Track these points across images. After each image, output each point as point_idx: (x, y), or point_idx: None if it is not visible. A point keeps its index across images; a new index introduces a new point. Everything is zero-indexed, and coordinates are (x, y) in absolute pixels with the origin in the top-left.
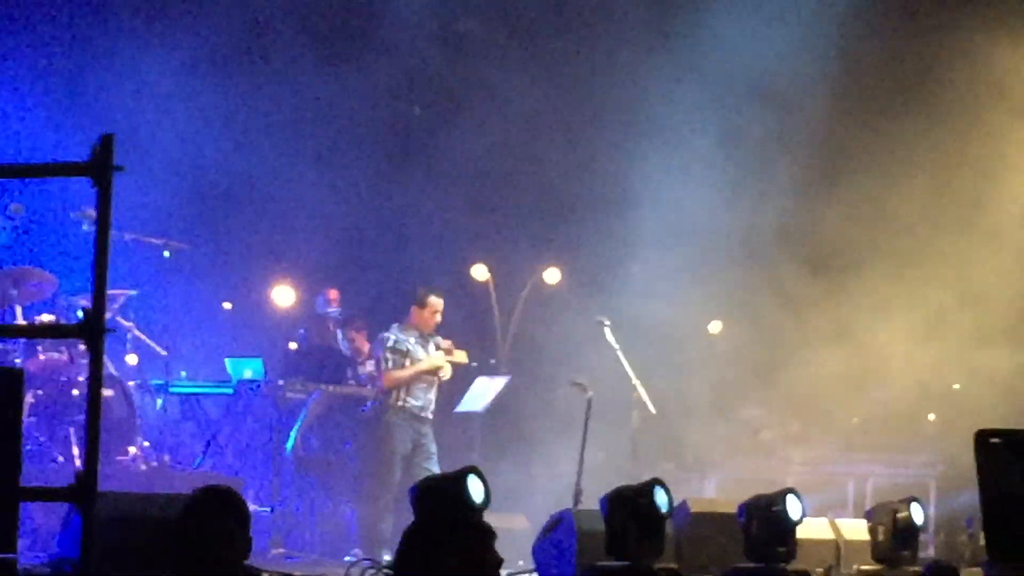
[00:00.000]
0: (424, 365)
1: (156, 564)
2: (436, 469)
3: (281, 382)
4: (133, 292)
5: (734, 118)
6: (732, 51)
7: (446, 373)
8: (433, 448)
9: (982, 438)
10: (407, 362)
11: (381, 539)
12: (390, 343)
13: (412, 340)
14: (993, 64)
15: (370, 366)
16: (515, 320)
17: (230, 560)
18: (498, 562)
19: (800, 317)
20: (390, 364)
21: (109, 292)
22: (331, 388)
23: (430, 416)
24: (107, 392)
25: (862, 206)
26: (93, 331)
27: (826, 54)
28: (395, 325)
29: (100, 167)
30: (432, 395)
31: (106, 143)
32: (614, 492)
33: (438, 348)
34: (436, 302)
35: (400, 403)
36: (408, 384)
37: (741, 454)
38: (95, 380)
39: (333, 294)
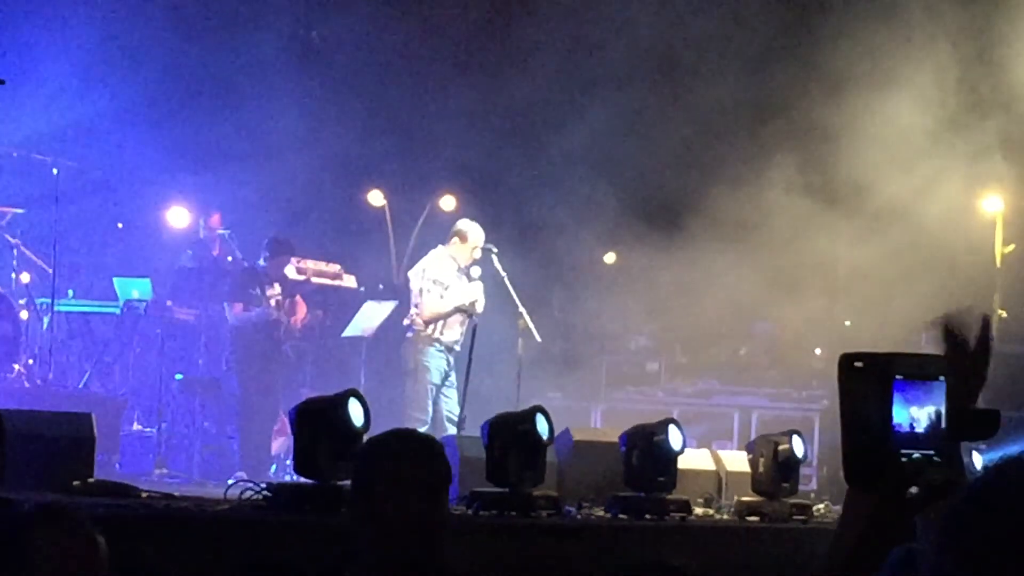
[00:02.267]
0: (462, 299)
1: (43, 481)
2: (454, 397)
3: (169, 302)
4: (20, 210)
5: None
6: None
7: (480, 307)
8: (454, 378)
9: (846, 362)
10: (445, 294)
11: None
12: (431, 275)
13: (451, 272)
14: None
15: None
16: (410, 247)
17: None
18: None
19: (693, 251)
20: (430, 296)
21: None
22: (237, 307)
23: (459, 349)
24: None
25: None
26: None
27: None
28: (434, 256)
29: None
30: (464, 328)
31: None
32: (495, 418)
33: (471, 281)
34: (478, 237)
35: (437, 335)
36: (448, 316)
37: (628, 385)
38: None
39: (215, 219)
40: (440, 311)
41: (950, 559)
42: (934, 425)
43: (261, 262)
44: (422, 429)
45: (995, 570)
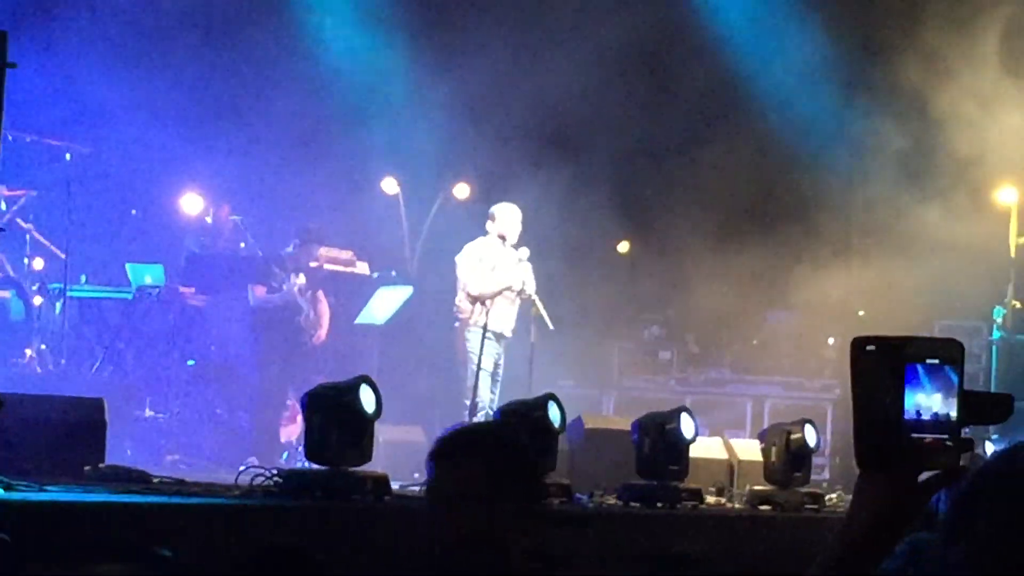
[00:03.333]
0: (509, 279)
1: (54, 467)
2: (496, 390)
3: (181, 288)
4: (33, 193)
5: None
6: None
7: (530, 288)
8: (502, 369)
9: (858, 345)
10: (492, 273)
11: None
12: (477, 254)
13: (496, 253)
14: None
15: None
16: (424, 235)
17: None
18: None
19: (706, 241)
20: (476, 273)
21: (7, 193)
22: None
23: (509, 334)
24: (3, 293)
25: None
26: None
27: None
28: (478, 240)
29: None
30: (514, 312)
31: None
32: (507, 406)
33: (520, 261)
34: (501, 211)
35: (485, 321)
36: (493, 299)
37: (641, 374)
38: None
39: (224, 209)
40: (486, 287)
41: (957, 549)
42: (947, 409)
43: (289, 249)
44: (479, 416)
45: (1002, 559)
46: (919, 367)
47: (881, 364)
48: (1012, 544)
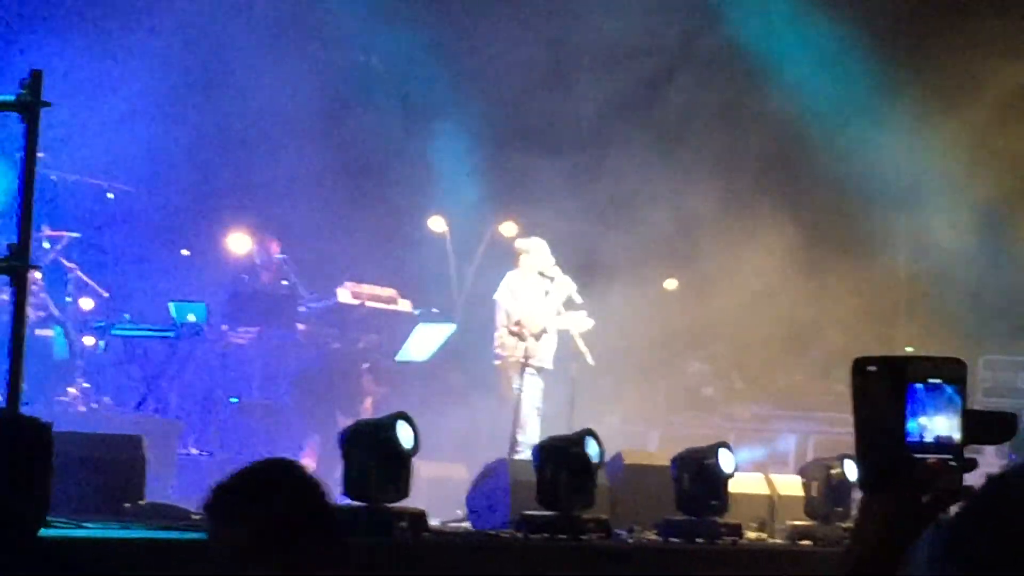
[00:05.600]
0: (546, 316)
1: (94, 503)
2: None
3: (224, 327)
4: (76, 234)
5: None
6: None
7: (573, 323)
8: (542, 399)
9: (860, 366)
10: (531, 307)
11: None
12: (512, 287)
13: (528, 286)
14: None
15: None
16: (472, 273)
17: None
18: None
19: (750, 278)
20: (515, 307)
21: (50, 233)
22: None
23: (550, 366)
24: (47, 332)
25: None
26: (17, 267)
27: None
28: (508, 275)
29: (28, 102)
30: (554, 346)
31: (35, 79)
32: (546, 441)
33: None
34: (523, 246)
35: (525, 357)
36: (536, 336)
37: (685, 410)
38: (19, 316)
39: (274, 246)
40: (532, 317)
41: (953, 567)
42: (950, 429)
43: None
44: (520, 452)
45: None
46: (921, 387)
47: (883, 384)
48: (1007, 565)
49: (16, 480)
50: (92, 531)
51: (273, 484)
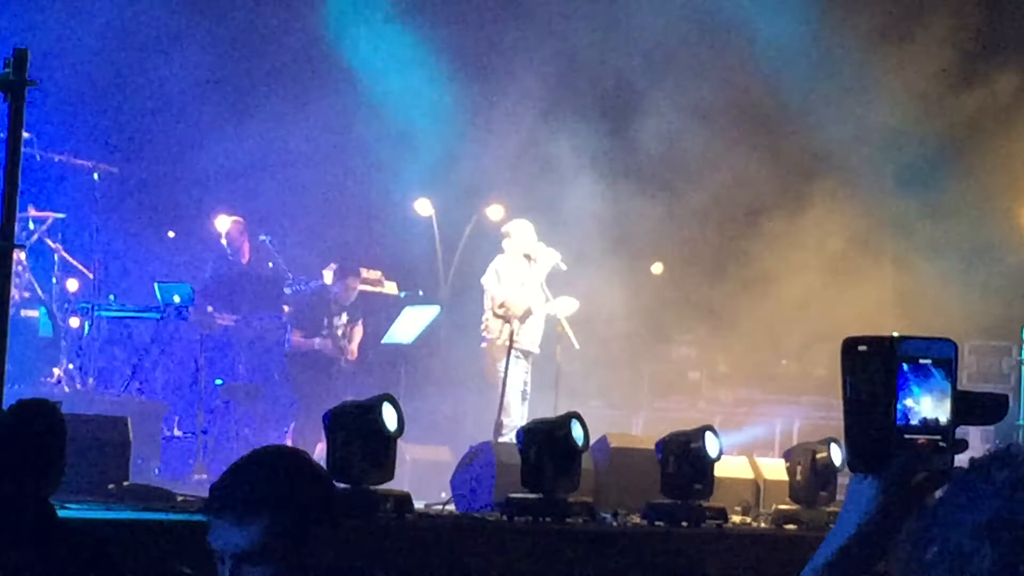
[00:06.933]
0: (530, 298)
1: (77, 484)
2: (525, 409)
3: (209, 308)
4: (61, 215)
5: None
6: None
7: (558, 307)
8: (529, 387)
9: (850, 345)
10: (519, 290)
11: None
12: (501, 270)
13: (519, 269)
14: None
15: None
16: (457, 256)
17: None
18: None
19: (736, 263)
20: (505, 286)
21: (35, 213)
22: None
23: (536, 351)
24: (32, 313)
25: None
26: (2, 247)
27: None
28: (498, 258)
29: (13, 81)
30: (541, 329)
31: (20, 57)
32: (530, 424)
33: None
34: (506, 229)
35: (512, 340)
36: (521, 319)
37: (670, 393)
38: (3, 296)
39: (235, 226)
40: (512, 301)
41: (933, 550)
42: (940, 410)
43: (330, 284)
44: (505, 435)
45: (976, 563)
46: (911, 367)
47: (873, 364)
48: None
49: (37, 462)
50: (75, 512)
51: (290, 477)
